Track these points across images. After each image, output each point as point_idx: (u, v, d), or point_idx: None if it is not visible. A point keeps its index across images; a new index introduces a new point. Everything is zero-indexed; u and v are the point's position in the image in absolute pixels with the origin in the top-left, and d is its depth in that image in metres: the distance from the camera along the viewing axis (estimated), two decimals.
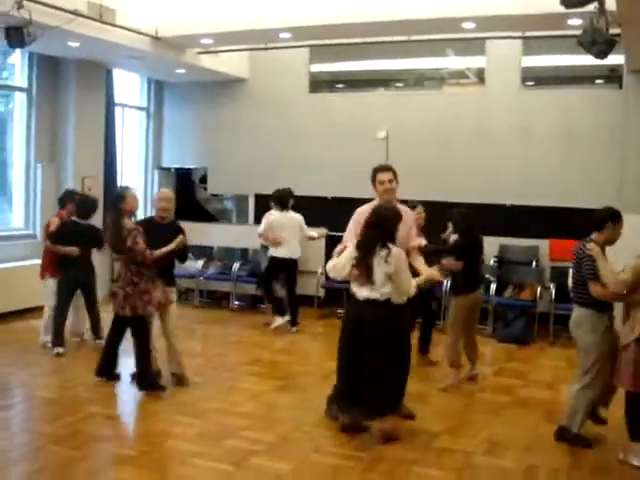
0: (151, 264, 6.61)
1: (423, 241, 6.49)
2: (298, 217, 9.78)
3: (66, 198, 8.54)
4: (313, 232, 9.91)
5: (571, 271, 5.87)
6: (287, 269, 9.79)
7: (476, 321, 7.74)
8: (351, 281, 5.81)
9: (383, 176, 6.13)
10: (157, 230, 6.85)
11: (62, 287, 8.05)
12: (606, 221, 5.65)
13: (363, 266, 5.62)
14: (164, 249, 6.71)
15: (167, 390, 6.73)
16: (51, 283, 8.19)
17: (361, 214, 6.00)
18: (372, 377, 5.65)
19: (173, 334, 7.04)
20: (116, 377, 7.05)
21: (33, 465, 5.18)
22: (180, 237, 6.86)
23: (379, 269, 5.59)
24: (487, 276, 10.00)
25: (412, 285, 5.72)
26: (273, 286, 10.02)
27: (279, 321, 9.66)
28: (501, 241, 10.43)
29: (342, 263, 5.77)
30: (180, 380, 7.03)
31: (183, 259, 7.20)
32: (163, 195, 7.29)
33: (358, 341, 5.71)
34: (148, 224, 7.02)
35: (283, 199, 9.72)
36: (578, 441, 5.68)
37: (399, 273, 5.63)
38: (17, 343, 8.20)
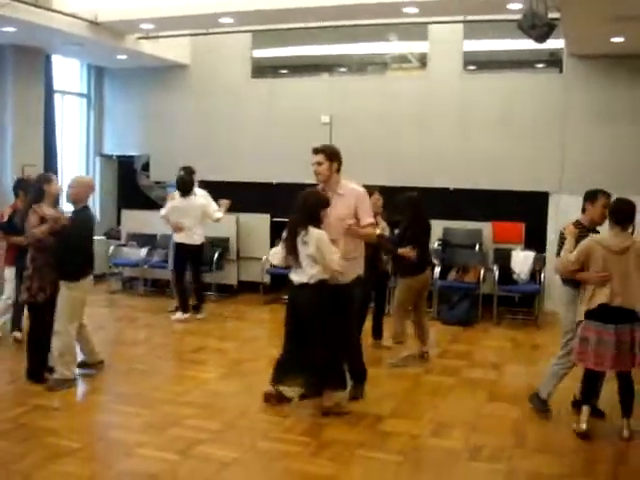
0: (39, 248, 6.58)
1: (381, 225, 6.51)
2: (200, 201, 9.53)
3: (18, 187, 8.30)
4: (219, 213, 9.60)
5: None
6: (189, 255, 9.54)
7: (424, 301, 7.86)
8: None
9: (312, 159, 6.06)
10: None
11: (17, 276, 7.87)
12: (585, 203, 5.90)
13: (290, 250, 5.81)
14: (42, 227, 6.51)
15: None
16: (7, 273, 8.04)
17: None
18: (308, 358, 5.79)
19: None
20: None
21: None
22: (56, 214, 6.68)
23: (302, 252, 5.74)
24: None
25: (335, 261, 5.74)
26: (184, 276, 9.67)
27: (179, 316, 9.40)
28: (445, 224, 10.50)
29: (278, 249, 6.00)
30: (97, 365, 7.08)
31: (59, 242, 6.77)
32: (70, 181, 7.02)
33: (295, 323, 5.90)
34: None
35: (183, 184, 9.52)
36: (539, 405, 5.96)
37: (320, 253, 5.69)
38: None
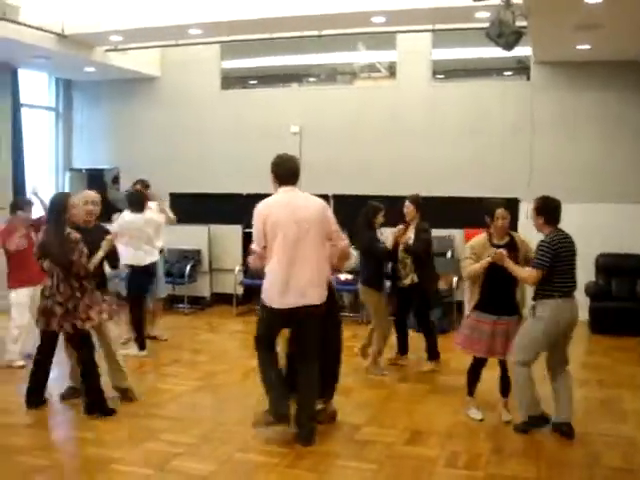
0: (91, 275, 6.18)
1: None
2: (155, 217, 8.67)
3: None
4: (170, 213, 9.09)
5: None
6: (139, 277, 8.51)
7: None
8: None
9: None
10: (84, 236, 6.16)
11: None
12: None
13: None
14: (97, 256, 6.20)
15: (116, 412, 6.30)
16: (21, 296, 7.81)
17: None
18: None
19: (116, 344, 6.72)
20: (44, 402, 6.48)
21: None
22: (107, 238, 6.35)
23: None
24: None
25: None
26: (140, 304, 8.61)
27: (133, 351, 8.29)
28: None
29: None
30: (126, 394, 6.58)
31: (115, 263, 6.60)
32: (90, 198, 6.57)
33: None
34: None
35: (131, 201, 8.57)
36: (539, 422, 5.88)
37: None
38: None
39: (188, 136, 12.02)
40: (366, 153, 11.01)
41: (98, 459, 5.29)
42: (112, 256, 6.45)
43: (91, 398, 6.20)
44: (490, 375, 6.33)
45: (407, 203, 7.82)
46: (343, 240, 5.80)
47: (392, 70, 11.22)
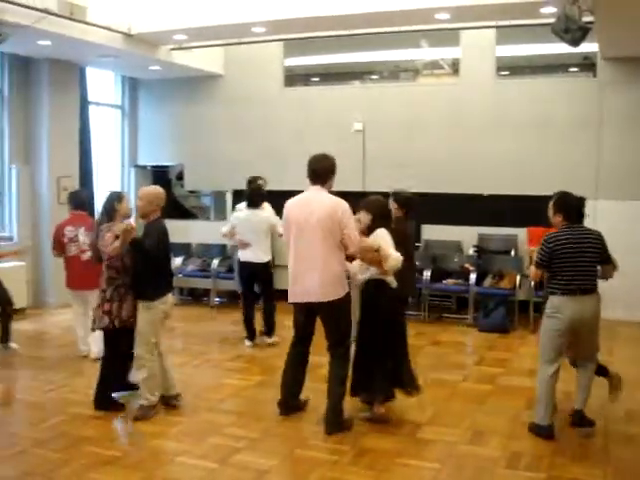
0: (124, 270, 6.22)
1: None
2: (267, 215, 8.66)
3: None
4: (280, 228, 9.09)
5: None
6: (257, 275, 8.76)
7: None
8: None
9: None
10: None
11: None
12: None
13: None
14: (114, 244, 6.07)
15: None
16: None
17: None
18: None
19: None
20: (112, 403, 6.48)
21: (15, 470, 5.13)
22: (122, 224, 6.12)
23: None
24: (466, 266, 10.05)
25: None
26: (250, 299, 8.87)
27: (247, 343, 8.72)
28: (480, 230, 10.48)
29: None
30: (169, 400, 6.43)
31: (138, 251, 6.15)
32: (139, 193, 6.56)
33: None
34: None
35: (252, 196, 8.71)
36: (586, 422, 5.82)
37: None
38: None
39: (251, 133, 12.12)
40: (429, 151, 10.95)
41: (164, 451, 5.43)
42: (133, 245, 6.07)
43: (100, 394, 6.37)
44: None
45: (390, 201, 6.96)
46: (354, 245, 5.69)
47: (455, 67, 11.13)
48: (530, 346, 8.72)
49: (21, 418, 6.23)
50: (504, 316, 9.54)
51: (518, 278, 9.69)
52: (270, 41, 11.07)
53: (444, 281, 10.13)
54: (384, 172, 10.79)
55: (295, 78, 12.22)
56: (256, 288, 8.90)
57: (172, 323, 9.41)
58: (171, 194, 13.13)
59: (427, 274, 10.00)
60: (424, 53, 11.51)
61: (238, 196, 11.47)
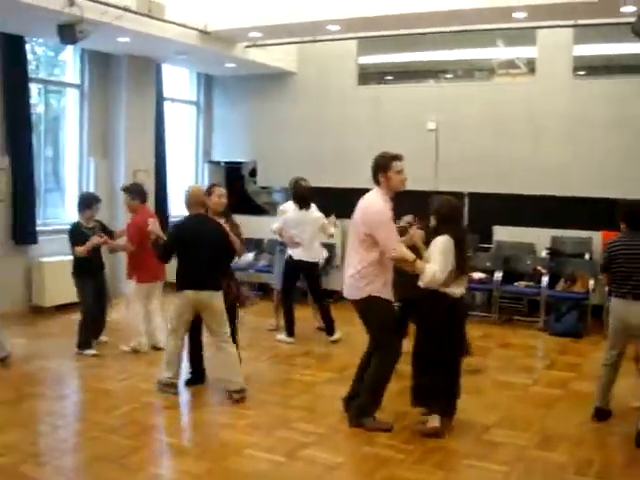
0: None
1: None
2: (318, 215, 8.82)
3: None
4: (332, 228, 8.91)
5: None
6: (307, 273, 8.92)
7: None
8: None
9: (400, 166, 5.77)
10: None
11: None
12: None
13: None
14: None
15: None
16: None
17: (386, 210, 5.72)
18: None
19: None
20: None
21: (88, 454, 5.29)
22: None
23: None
24: (539, 268, 9.91)
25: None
26: (292, 295, 9.07)
27: (283, 337, 8.81)
28: (553, 233, 10.30)
29: (442, 269, 5.47)
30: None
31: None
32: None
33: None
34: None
35: (301, 197, 8.74)
36: None
37: None
38: (72, 335, 8.32)
39: (324, 131, 12.18)
40: (503, 150, 10.83)
41: (231, 443, 5.50)
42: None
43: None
44: (624, 383, 6.15)
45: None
46: (388, 252, 5.56)
47: (531, 66, 10.98)
48: (603, 351, 8.55)
49: (95, 405, 6.36)
50: (577, 320, 9.36)
51: (592, 282, 9.49)
52: (344, 39, 11.10)
53: (515, 283, 10.00)
54: (458, 172, 10.72)
55: (369, 76, 12.22)
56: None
57: (244, 317, 9.52)
58: (244, 190, 13.29)
59: (498, 276, 9.90)
60: (500, 52, 11.38)
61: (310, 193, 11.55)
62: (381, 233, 5.56)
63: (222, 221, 6.75)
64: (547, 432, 5.83)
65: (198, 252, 6.37)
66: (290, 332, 8.81)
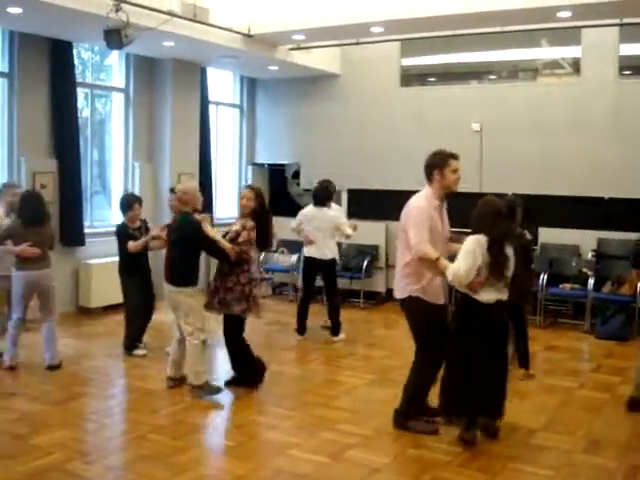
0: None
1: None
2: (333, 214, 8.95)
3: None
4: (349, 230, 8.83)
5: None
6: (321, 271, 9.01)
7: None
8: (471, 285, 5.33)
9: (458, 164, 5.66)
10: None
11: None
12: None
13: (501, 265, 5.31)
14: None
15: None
16: None
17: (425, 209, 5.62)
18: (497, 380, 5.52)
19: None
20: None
21: (134, 453, 5.35)
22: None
23: (510, 264, 5.38)
24: (585, 270, 9.79)
25: None
26: (309, 293, 9.08)
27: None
28: (599, 235, 10.18)
29: (467, 268, 5.24)
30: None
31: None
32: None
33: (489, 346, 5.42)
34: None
35: (316, 195, 9.00)
36: None
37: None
38: (118, 336, 8.43)
39: (367, 133, 12.19)
40: (549, 151, 10.72)
41: (275, 444, 5.54)
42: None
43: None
44: None
45: None
46: (410, 249, 5.54)
47: (576, 66, 10.86)
48: None
49: (140, 405, 6.43)
50: (623, 323, 9.23)
51: (639, 285, 9.36)
52: (388, 41, 11.08)
53: (561, 285, 9.90)
54: (502, 173, 10.65)
55: (411, 78, 12.20)
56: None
57: (285, 319, 9.55)
58: (287, 192, 13.35)
59: (543, 278, 9.80)
60: (544, 52, 11.28)
61: (353, 195, 11.55)
62: (411, 230, 5.52)
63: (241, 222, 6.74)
64: (594, 436, 5.77)
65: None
66: (299, 329, 8.92)
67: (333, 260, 8.96)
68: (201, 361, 6.57)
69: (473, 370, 5.37)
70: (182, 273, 6.60)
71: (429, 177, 5.70)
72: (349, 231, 8.81)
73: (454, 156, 5.68)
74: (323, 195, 8.92)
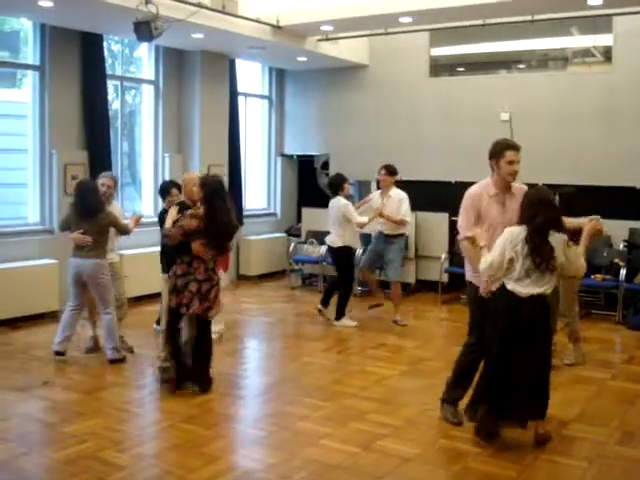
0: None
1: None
2: (342, 203, 9.03)
3: None
4: (363, 218, 8.98)
5: None
6: (331, 258, 9.72)
7: None
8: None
9: (512, 156, 5.46)
10: None
11: None
12: None
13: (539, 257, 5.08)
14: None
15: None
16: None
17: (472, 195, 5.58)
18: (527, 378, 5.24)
19: None
20: None
21: (166, 442, 5.40)
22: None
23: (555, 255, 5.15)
24: (616, 261, 9.70)
25: (584, 266, 5.35)
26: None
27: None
28: (631, 225, 10.08)
29: (493, 260, 5.13)
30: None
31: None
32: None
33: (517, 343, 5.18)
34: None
35: (330, 185, 9.44)
36: None
37: (568, 259, 5.22)
38: (150, 327, 8.47)
39: (396, 123, 12.14)
40: (579, 141, 10.62)
41: (307, 434, 5.53)
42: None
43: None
44: None
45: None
46: (460, 235, 5.59)
47: (608, 55, 10.74)
48: None
49: (171, 395, 6.44)
50: (636, 313, 9.16)
51: None
52: (417, 31, 11.02)
53: (592, 276, 9.80)
54: (531, 163, 10.52)
55: (440, 68, 12.14)
56: None
57: (315, 310, 9.55)
58: (316, 183, 13.35)
59: None
60: (575, 41, 11.16)
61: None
62: (459, 216, 5.60)
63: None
64: (628, 428, 5.72)
65: None
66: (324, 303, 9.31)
67: (341, 248, 9.14)
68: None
69: (499, 367, 5.22)
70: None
71: (490, 166, 5.59)
72: (359, 219, 8.96)
73: (512, 146, 5.51)
74: (334, 186, 9.28)
